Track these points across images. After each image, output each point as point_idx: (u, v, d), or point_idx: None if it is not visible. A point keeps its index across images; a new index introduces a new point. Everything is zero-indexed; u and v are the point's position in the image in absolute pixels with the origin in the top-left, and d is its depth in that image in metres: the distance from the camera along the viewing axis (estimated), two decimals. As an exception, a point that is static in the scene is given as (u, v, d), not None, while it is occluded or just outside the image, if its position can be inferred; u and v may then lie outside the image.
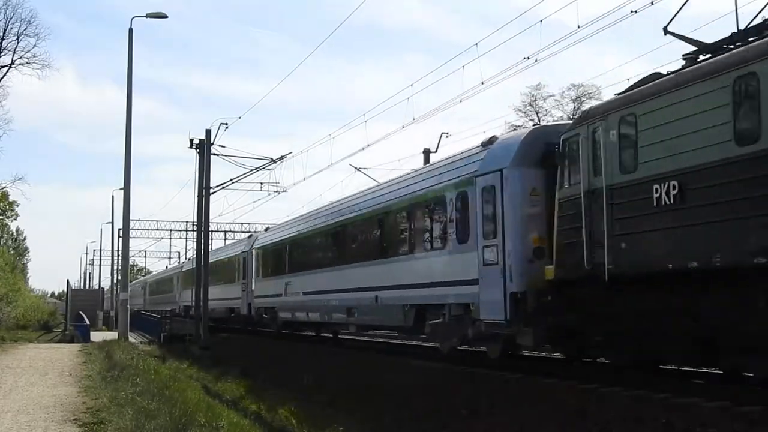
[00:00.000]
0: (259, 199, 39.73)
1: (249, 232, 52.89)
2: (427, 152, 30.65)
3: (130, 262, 54.65)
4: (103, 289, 72.38)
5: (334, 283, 20.66)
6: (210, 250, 58.61)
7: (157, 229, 61.01)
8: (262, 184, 30.35)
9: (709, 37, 10.11)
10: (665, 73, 10.51)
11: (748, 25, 9.61)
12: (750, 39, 9.37)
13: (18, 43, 40.13)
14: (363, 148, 27.60)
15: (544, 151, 12.83)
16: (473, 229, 13.70)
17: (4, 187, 45.25)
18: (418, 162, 30.32)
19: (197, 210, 28.07)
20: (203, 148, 27.36)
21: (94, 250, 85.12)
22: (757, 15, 9.60)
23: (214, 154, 27.37)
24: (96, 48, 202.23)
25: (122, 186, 32.58)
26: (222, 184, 29.75)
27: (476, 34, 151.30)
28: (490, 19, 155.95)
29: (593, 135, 11.24)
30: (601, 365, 12.84)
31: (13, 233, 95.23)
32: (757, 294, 8.62)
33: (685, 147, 9.45)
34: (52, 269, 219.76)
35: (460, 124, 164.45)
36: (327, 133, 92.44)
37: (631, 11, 14.29)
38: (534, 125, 14.52)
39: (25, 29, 39.88)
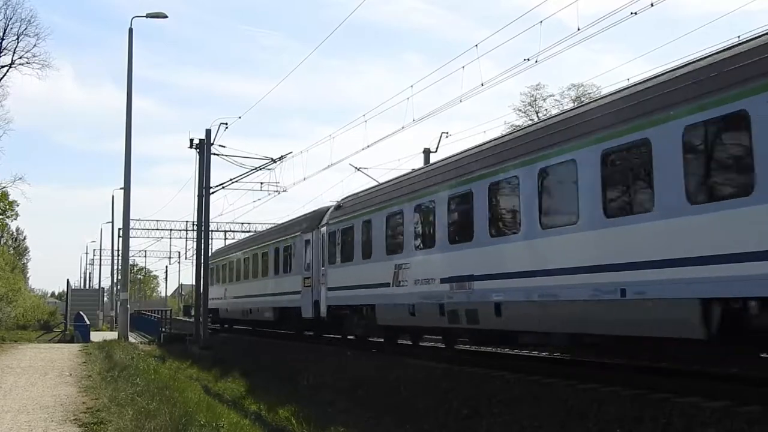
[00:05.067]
0: (259, 199, 39.67)
1: (249, 231, 53.02)
2: (427, 152, 30.60)
3: (130, 262, 54.63)
4: (103, 288, 72.38)
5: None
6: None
7: (157, 229, 60.91)
8: (262, 183, 30.24)
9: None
10: None
11: None
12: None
13: (18, 43, 40.24)
14: (363, 148, 27.57)
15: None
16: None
17: (4, 187, 45.30)
18: (419, 162, 30.33)
19: (197, 210, 28.02)
20: (203, 148, 27.31)
21: (94, 250, 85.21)
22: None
23: (214, 154, 27.32)
24: (95, 48, 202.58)
25: (122, 186, 32.71)
26: (222, 183, 29.69)
27: (476, 34, 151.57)
28: (490, 19, 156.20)
29: None
30: (600, 365, 12.86)
31: (13, 233, 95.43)
32: None
33: None
34: (52, 269, 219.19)
35: (460, 124, 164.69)
36: (327, 133, 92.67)
37: (631, 13, 14.20)
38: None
39: (25, 29, 40.02)
